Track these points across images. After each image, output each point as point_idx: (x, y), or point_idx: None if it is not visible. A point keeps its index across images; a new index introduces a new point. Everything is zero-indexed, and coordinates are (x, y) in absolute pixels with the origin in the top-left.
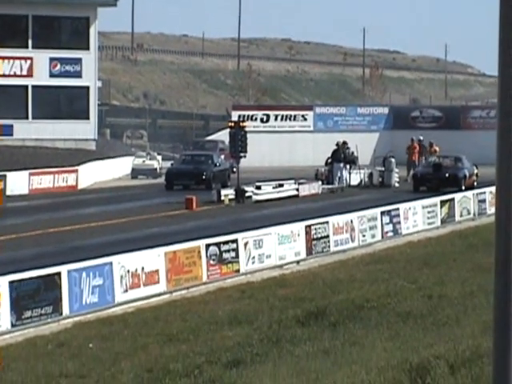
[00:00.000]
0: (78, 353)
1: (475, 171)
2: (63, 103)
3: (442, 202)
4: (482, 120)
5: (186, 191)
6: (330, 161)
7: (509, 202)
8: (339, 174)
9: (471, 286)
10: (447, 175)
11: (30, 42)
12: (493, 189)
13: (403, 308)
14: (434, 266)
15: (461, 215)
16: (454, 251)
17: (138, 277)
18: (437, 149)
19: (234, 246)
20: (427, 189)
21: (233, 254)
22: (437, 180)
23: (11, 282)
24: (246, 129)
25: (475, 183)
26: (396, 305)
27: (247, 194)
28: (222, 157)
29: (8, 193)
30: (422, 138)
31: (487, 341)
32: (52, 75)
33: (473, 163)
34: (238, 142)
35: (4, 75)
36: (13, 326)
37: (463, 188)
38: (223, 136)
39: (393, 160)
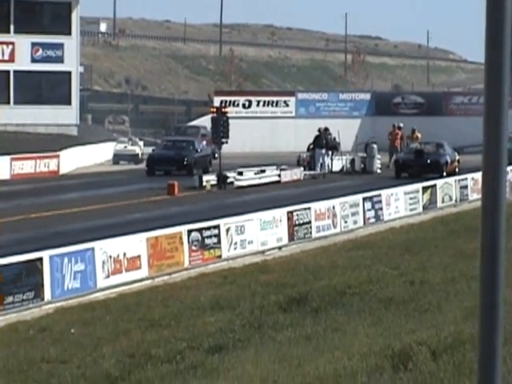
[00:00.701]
0: (60, 338)
1: (457, 157)
2: (45, 88)
3: (424, 189)
4: (464, 106)
5: (167, 177)
6: (311, 147)
7: (495, 185)
8: (321, 160)
9: (453, 272)
10: (429, 161)
11: (11, 26)
12: (475, 175)
13: (385, 294)
14: (415, 252)
15: (443, 201)
16: (435, 237)
17: (120, 262)
18: (419, 135)
19: (216, 231)
20: (409, 175)
21: (215, 239)
22: (418, 166)
23: None
24: (228, 114)
25: (457, 169)
26: (378, 291)
27: (229, 180)
28: (204, 142)
29: None
30: (401, 124)
31: (469, 327)
32: (34, 60)
33: (454, 149)
34: (220, 128)
35: None
36: None
37: (445, 174)
38: (205, 122)
39: (375, 146)
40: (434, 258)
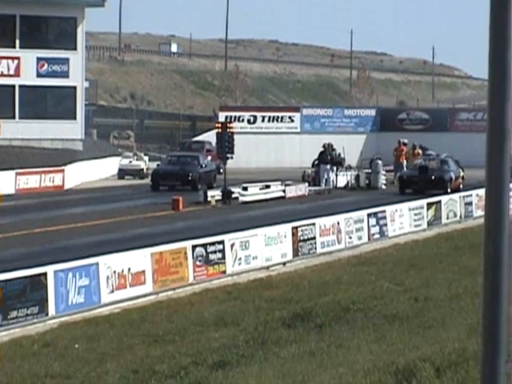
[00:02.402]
0: (64, 353)
1: (461, 174)
2: (50, 103)
3: (429, 205)
4: (469, 122)
5: (172, 192)
6: (316, 162)
7: (498, 204)
8: (326, 176)
9: (457, 289)
10: (433, 178)
11: (17, 41)
12: (479, 191)
13: (389, 310)
14: (420, 268)
15: (447, 218)
16: (440, 253)
17: (125, 277)
18: (420, 151)
19: (221, 247)
20: (413, 191)
21: (219, 255)
22: (423, 182)
23: None
24: (233, 130)
25: (461, 186)
26: (382, 307)
27: (234, 195)
28: (209, 158)
29: None
30: (406, 140)
31: (473, 343)
32: (39, 75)
33: (459, 166)
34: (225, 143)
35: None
36: None
37: (449, 190)
38: (210, 137)
39: (379, 162)
40: (438, 274)
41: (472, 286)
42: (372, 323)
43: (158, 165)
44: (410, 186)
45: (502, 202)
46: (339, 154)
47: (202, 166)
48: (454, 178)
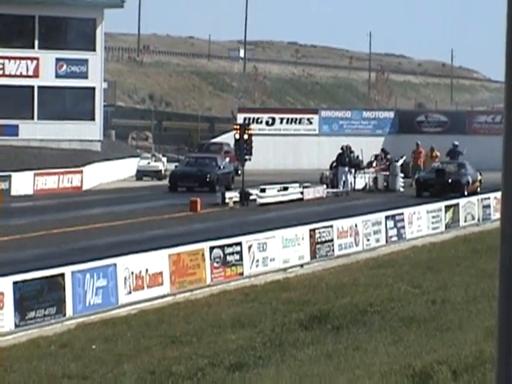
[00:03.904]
0: (81, 354)
1: (479, 177)
2: (69, 104)
3: (447, 207)
4: (488, 125)
5: (189, 193)
6: (334, 164)
7: None
8: (344, 178)
9: (475, 292)
10: (450, 181)
11: (36, 42)
12: (497, 194)
13: (407, 313)
14: (437, 270)
15: (465, 220)
16: (457, 256)
17: (142, 279)
18: (438, 154)
19: (238, 248)
20: (430, 194)
21: (237, 256)
22: (440, 186)
23: (15, 283)
24: (252, 131)
25: (478, 189)
26: (399, 309)
27: (252, 197)
28: (227, 159)
29: (13, 193)
30: (457, 142)
31: (490, 346)
32: (58, 76)
33: (476, 169)
34: (243, 145)
35: (10, 75)
36: (16, 326)
37: (466, 194)
38: (228, 138)
39: (398, 164)
40: (455, 277)
41: (489, 288)
42: (389, 326)
43: (176, 166)
44: (427, 189)
45: None
46: (357, 156)
47: (220, 168)
48: (471, 181)
